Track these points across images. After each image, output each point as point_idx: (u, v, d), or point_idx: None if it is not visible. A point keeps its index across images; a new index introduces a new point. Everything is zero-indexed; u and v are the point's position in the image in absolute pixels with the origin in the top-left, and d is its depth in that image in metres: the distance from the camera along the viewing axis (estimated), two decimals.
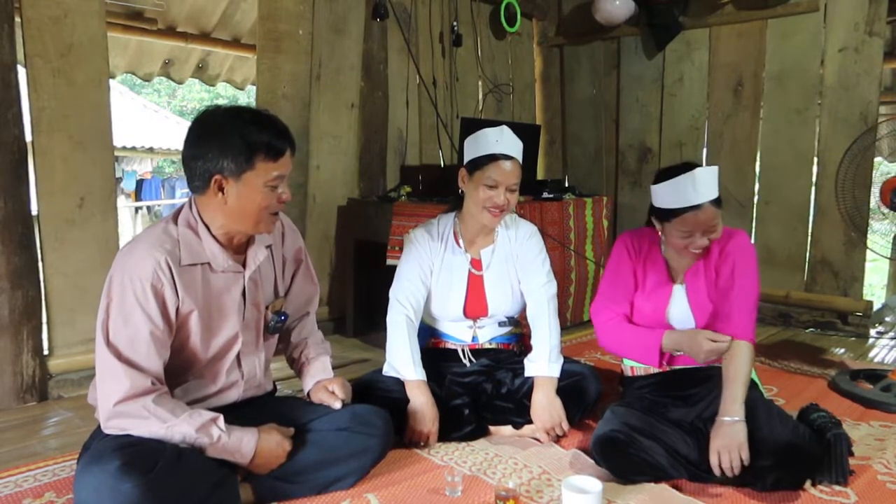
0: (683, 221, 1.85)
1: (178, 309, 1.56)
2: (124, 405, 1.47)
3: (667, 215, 1.89)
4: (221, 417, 1.55)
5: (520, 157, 2.10)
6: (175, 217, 1.63)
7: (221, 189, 1.54)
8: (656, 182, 1.92)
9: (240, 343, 1.69)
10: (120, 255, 1.56)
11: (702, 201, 1.82)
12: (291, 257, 1.87)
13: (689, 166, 1.87)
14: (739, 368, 1.79)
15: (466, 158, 2.12)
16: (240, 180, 1.54)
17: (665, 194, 1.88)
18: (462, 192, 2.15)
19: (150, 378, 1.50)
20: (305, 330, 1.96)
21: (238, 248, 1.68)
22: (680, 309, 1.98)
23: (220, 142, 1.52)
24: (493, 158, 2.04)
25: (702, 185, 1.82)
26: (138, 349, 1.49)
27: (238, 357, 1.71)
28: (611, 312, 2.02)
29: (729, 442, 1.69)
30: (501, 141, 2.05)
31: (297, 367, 1.94)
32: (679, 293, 1.99)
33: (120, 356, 1.48)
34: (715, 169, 1.89)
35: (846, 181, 2.90)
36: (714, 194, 1.85)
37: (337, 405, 1.79)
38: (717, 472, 1.71)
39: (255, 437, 1.59)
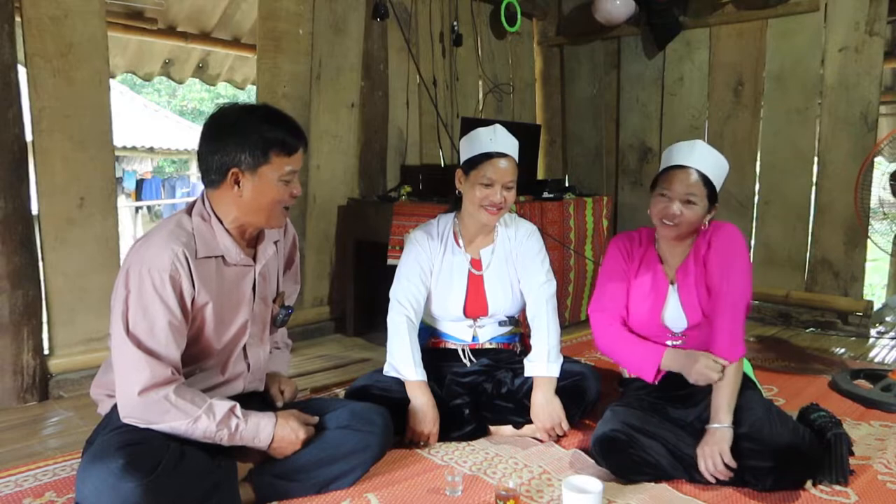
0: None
1: (193, 300, 1.58)
2: (147, 395, 1.48)
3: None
4: (238, 405, 1.58)
5: (515, 155, 2.10)
6: (188, 211, 1.66)
7: (238, 182, 1.59)
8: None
9: (247, 335, 1.72)
10: (135, 247, 1.58)
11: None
12: (288, 254, 1.92)
13: None
14: (728, 376, 1.80)
15: (462, 159, 2.13)
16: (255, 174, 1.58)
17: None
18: (459, 192, 2.15)
19: (169, 367, 1.52)
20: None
21: (249, 243, 1.72)
22: (673, 309, 1.99)
23: (238, 137, 1.56)
24: (487, 157, 2.04)
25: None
26: (158, 339, 1.51)
27: (244, 349, 1.74)
28: (609, 318, 2.03)
29: (711, 447, 1.72)
30: (495, 139, 2.06)
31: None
32: (671, 292, 2.00)
33: (140, 345, 1.50)
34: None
35: (864, 186, 2.87)
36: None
37: (279, 405, 1.84)
38: (708, 477, 1.73)
39: (273, 422, 1.63)
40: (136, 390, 1.48)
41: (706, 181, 1.87)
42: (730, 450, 1.72)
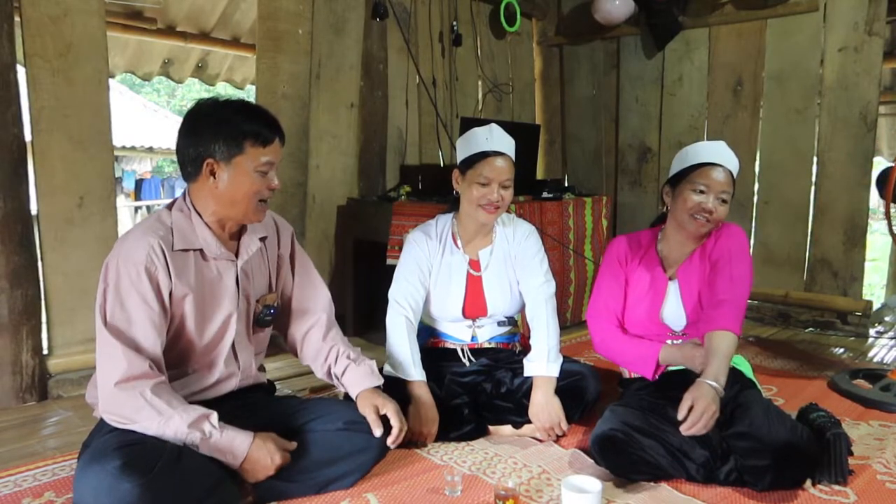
0: None
1: (171, 292, 1.58)
2: (122, 386, 1.48)
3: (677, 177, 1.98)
4: (215, 414, 1.55)
5: (512, 154, 2.10)
6: (169, 206, 1.67)
7: (213, 173, 1.60)
8: None
9: (233, 330, 1.71)
10: (116, 244, 1.60)
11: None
12: (287, 255, 1.90)
13: None
14: (721, 344, 1.79)
15: (459, 159, 2.13)
16: (231, 164, 1.59)
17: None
18: (457, 193, 2.15)
19: (147, 361, 1.51)
20: (330, 336, 1.92)
21: (231, 237, 1.72)
22: (672, 305, 2.00)
23: (213, 128, 1.58)
24: (484, 156, 2.05)
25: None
26: (136, 331, 1.52)
27: (234, 348, 1.73)
28: (605, 322, 2.08)
29: (704, 398, 1.67)
30: (491, 138, 2.06)
31: (337, 370, 1.87)
32: (672, 289, 2.01)
33: (119, 336, 1.50)
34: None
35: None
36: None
37: (378, 432, 1.73)
38: (682, 415, 1.67)
39: (249, 440, 1.57)
40: (114, 381, 1.48)
41: (733, 181, 1.94)
42: (726, 447, 1.73)
